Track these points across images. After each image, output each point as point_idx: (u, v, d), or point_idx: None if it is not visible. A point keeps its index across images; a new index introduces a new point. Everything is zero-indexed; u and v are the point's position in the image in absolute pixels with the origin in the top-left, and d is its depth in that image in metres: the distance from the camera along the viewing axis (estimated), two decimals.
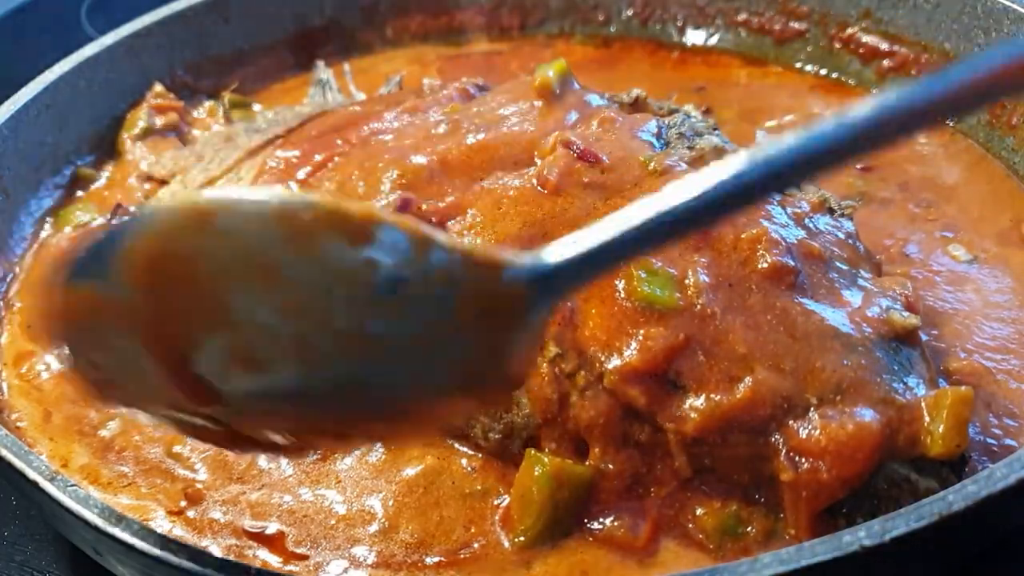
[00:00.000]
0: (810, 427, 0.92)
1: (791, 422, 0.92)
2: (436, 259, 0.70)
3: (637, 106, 1.30)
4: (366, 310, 0.70)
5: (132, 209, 1.44)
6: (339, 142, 1.28)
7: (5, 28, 2.20)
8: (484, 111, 1.27)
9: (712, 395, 0.94)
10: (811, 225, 1.08)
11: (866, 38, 1.66)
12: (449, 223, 1.09)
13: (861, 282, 1.05)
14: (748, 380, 0.94)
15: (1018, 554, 1.07)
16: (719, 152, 1.18)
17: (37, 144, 1.49)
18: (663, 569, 0.95)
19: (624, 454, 0.97)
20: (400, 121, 1.30)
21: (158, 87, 1.65)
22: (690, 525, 0.97)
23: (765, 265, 1.00)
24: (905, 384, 0.96)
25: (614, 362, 0.95)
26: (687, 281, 0.99)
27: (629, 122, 1.21)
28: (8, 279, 1.38)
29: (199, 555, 0.85)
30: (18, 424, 1.16)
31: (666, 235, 0.74)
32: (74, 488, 0.92)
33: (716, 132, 1.23)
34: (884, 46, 1.64)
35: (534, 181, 1.10)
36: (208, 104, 1.68)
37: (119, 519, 0.89)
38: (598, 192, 1.09)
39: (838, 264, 1.05)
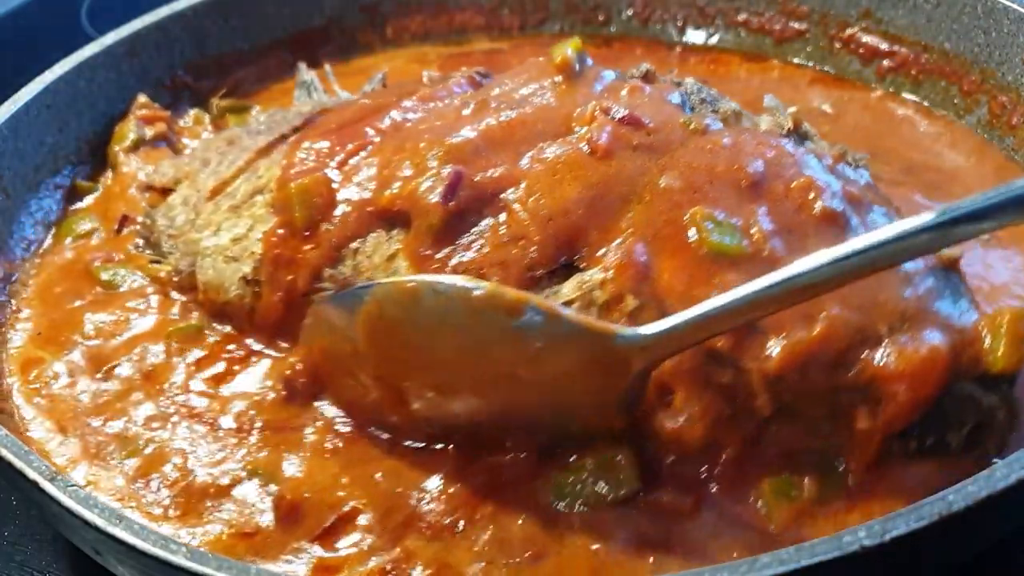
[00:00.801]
0: (885, 355, 0.98)
1: (866, 352, 0.98)
2: (565, 327, 0.97)
3: (647, 79, 1.34)
4: (517, 361, 0.99)
5: (139, 218, 1.41)
6: (369, 131, 1.27)
7: (5, 28, 2.21)
8: (507, 91, 1.29)
9: (790, 334, 0.98)
10: (841, 173, 1.15)
11: (866, 38, 1.66)
12: (503, 194, 1.11)
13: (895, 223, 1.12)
14: (822, 317, 0.98)
15: (1018, 554, 1.07)
16: (738, 116, 1.24)
17: (37, 144, 1.49)
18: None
19: (708, 397, 1.01)
20: (423, 108, 1.31)
21: (142, 98, 1.63)
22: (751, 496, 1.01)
23: (818, 210, 1.07)
24: (960, 309, 1.03)
25: None
26: (752, 230, 1.05)
27: (656, 89, 1.26)
28: (12, 280, 1.38)
29: (199, 555, 0.85)
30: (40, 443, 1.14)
31: (747, 313, 0.94)
32: (74, 488, 0.92)
33: (727, 99, 1.29)
34: (884, 46, 1.64)
35: (582, 147, 1.13)
36: (193, 112, 1.66)
37: (119, 519, 0.89)
38: (647, 153, 1.13)
39: (873, 206, 1.12)
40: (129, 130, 1.58)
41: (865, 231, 1.07)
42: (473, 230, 1.11)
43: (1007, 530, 1.00)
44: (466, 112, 1.25)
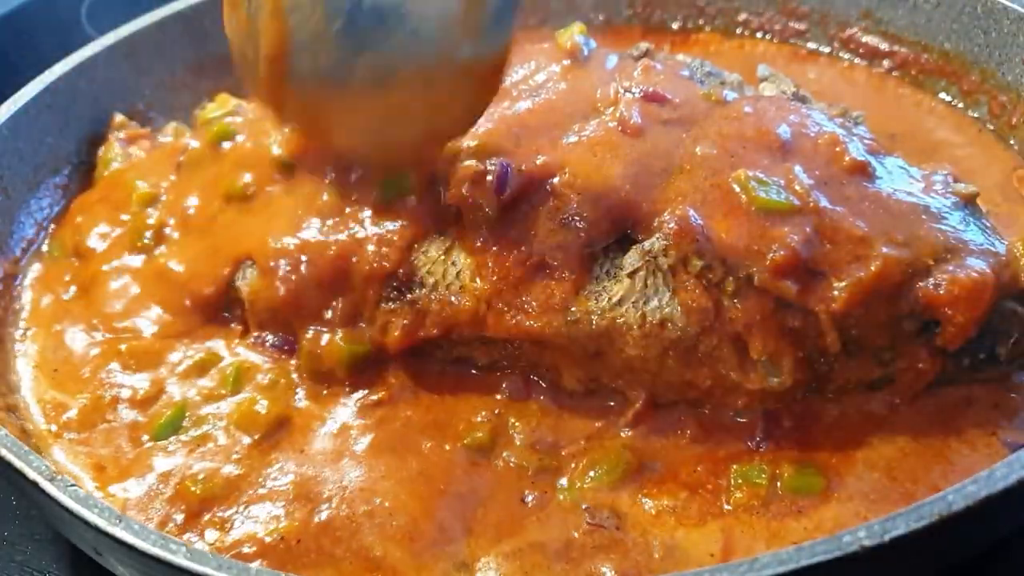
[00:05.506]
0: (938, 283, 1.06)
1: (919, 283, 1.06)
2: None
3: (648, 58, 1.36)
4: None
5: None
6: None
7: (5, 28, 2.20)
8: (522, 78, 1.30)
9: (849, 274, 1.05)
10: (850, 128, 1.21)
11: (866, 38, 1.66)
12: (550, 180, 1.14)
13: (911, 168, 1.19)
14: (875, 256, 1.06)
15: (1018, 554, 1.07)
16: (742, 86, 1.30)
17: (37, 144, 1.49)
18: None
19: (783, 342, 1.07)
20: None
21: (118, 117, 1.60)
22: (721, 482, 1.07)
23: (847, 161, 1.14)
24: (989, 236, 1.12)
25: (760, 263, 1.05)
26: (794, 185, 1.10)
27: (667, 66, 1.29)
28: (15, 283, 1.38)
29: (199, 555, 0.85)
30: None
31: None
32: (74, 488, 0.92)
33: (726, 72, 1.32)
34: (884, 46, 1.64)
35: (614, 126, 1.16)
36: (172, 126, 1.60)
37: (119, 519, 0.89)
38: (678, 126, 1.18)
39: (887, 155, 1.19)
40: (115, 153, 1.52)
41: (888, 178, 1.14)
42: (526, 217, 1.13)
43: (1007, 530, 0.99)
44: None
